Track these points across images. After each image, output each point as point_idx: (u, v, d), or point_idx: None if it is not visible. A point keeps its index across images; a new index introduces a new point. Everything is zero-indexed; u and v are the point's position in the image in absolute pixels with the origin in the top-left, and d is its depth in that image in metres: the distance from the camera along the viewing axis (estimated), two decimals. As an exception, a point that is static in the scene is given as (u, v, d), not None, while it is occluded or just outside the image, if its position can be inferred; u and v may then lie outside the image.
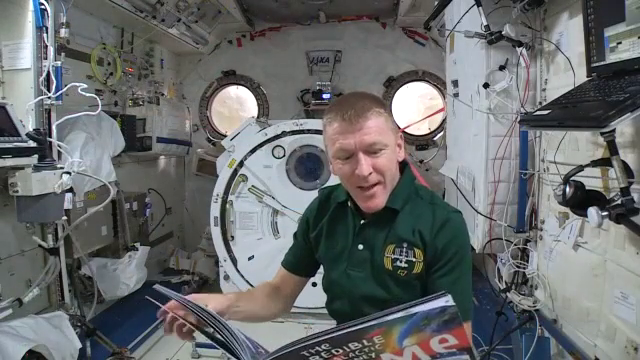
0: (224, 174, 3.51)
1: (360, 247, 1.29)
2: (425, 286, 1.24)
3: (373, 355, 0.84)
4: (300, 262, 1.47)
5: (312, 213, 1.44)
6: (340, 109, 1.19)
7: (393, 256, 1.23)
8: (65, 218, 2.50)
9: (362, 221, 1.30)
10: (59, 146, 2.49)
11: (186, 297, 1.07)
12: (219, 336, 1.00)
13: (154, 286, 1.13)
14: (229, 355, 0.97)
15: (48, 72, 2.38)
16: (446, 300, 0.77)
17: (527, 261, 2.37)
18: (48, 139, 2.39)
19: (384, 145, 1.19)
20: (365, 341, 0.82)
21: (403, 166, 1.32)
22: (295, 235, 1.51)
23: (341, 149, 1.18)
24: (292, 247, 1.51)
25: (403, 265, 1.22)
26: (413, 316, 0.78)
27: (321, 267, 1.46)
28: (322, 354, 0.84)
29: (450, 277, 1.20)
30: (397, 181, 1.28)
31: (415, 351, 0.83)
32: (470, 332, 1.22)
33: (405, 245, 1.23)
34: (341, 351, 0.84)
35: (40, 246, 2.47)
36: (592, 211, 1.42)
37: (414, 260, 1.22)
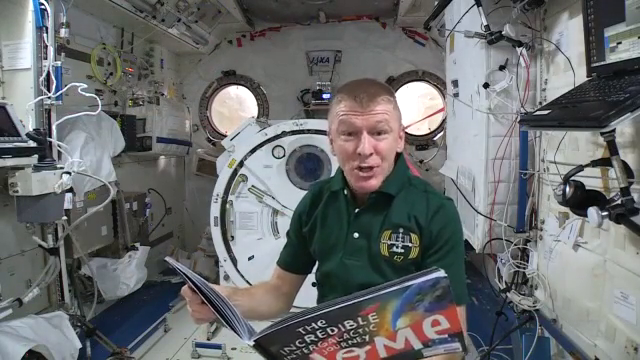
0: (224, 174, 3.51)
1: (356, 235, 1.30)
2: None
3: (367, 338, 0.85)
4: (295, 260, 1.48)
5: (305, 208, 1.44)
6: (353, 91, 1.21)
7: (389, 242, 1.25)
8: (65, 218, 2.50)
9: (357, 209, 1.31)
10: (59, 146, 2.49)
11: (193, 273, 1.08)
12: (221, 310, 1.01)
13: (165, 258, 1.19)
14: (230, 328, 0.99)
15: (48, 72, 2.38)
16: (439, 274, 0.78)
17: (527, 261, 2.37)
18: (48, 139, 2.40)
19: (389, 129, 1.22)
20: (360, 319, 0.82)
21: (397, 156, 1.34)
22: (288, 233, 1.51)
23: (347, 123, 1.20)
24: (286, 245, 1.51)
25: (399, 251, 1.24)
26: (407, 289, 0.79)
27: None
28: (318, 333, 0.85)
29: (444, 262, 1.22)
30: (391, 169, 1.30)
31: (408, 335, 0.84)
32: (465, 315, 1.26)
33: (401, 231, 1.25)
34: (336, 330, 0.84)
35: (40, 246, 2.47)
36: (592, 211, 1.42)
37: (410, 245, 1.24)
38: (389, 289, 0.79)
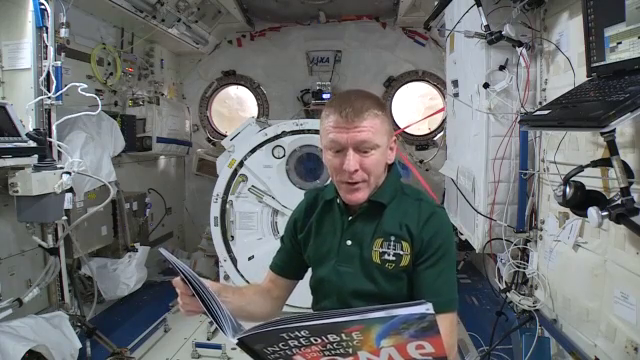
0: (224, 174, 3.51)
1: (349, 243, 1.31)
2: (412, 279, 1.27)
3: (350, 351, 0.86)
4: (288, 265, 1.49)
5: (300, 215, 1.46)
6: (339, 105, 1.22)
7: (381, 250, 1.27)
8: (65, 218, 2.50)
9: (350, 217, 1.33)
10: (59, 146, 2.49)
11: (184, 265, 1.09)
12: (208, 305, 1.03)
13: (159, 249, 1.20)
14: (215, 323, 1.00)
15: (48, 72, 2.38)
16: (426, 308, 0.78)
17: (527, 261, 2.36)
18: (48, 139, 2.40)
19: (375, 145, 1.22)
20: (344, 335, 0.83)
21: (390, 165, 1.35)
22: (282, 239, 1.53)
23: (333, 141, 1.22)
24: (280, 250, 1.53)
25: (391, 258, 1.26)
26: (393, 318, 0.80)
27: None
28: (301, 340, 0.86)
29: (436, 269, 1.24)
30: (383, 180, 1.32)
31: (391, 353, 0.85)
32: (455, 322, 1.26)
33: (393, 239, 1.26)
34: (319, 340, 0.85)
35: (40, 246, 2.47)
36: (592, 211, 1.42)
37: (402, 253, 1.25)
38: (374, 314, 0.80)
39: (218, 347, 2.93)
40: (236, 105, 5.31)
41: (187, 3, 3.80)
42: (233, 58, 4.98)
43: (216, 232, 3.54)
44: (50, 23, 2.39)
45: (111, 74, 3.61)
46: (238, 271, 3.52)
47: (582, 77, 1.66)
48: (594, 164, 1.51)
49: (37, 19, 2.33)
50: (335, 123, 1.21)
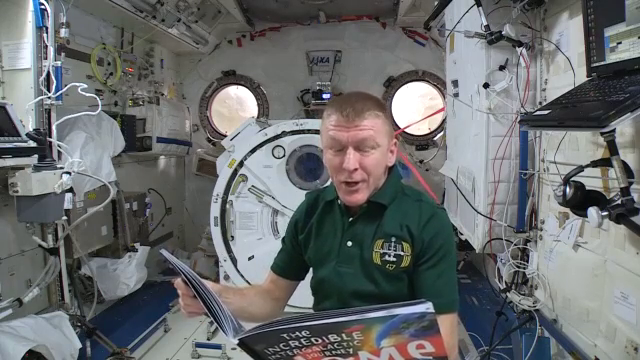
0: (224, 174, 3.51)
1: (349, 244, 1.32)
2: (412, 280, 1.27)
3: (351, 351, 0.86)
4: (289, 266, 1.49)
5: (300, 216, 1.46)
6: (340, 105, 1.23)
7: (382, 251, 1.27)
8: (65, 218, 2.50)
9: (350, 218, 1.33)
10: (59, 146, 2.49)
11: (185, 266, 1.09)
12: (209, 306, 1.03)
13: (160, 250, 1.20)
14: (216, 323, 1.01)
15: (48, 72, 2.38)
16: (427, 307, 0.79)
17: (527, 261, 2.37)
18: (48, 139, 2.40)
19: (375, 144, 1.22)
20: (344, 335, 0.84)
21: (390, 168, 1.35)
22: (283, 240, 1.53)
23: (333, 139, 1.22)
24: (281, 251, 1.53)
25: (391, 259, 1.26)
26: (393, 317, 0.80)
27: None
28: (302, 340, 0.86)
29: (436, 270, 1.24)
30: (383, 181, 1.32)
31: (392, 353, 0.85)
32: (456, 322, 1.27)
33: (393, 240, 1.27)
34: (320, 341, 0.86)
35: (40, 246, 2.48)
36: (592, 211, 1.42)
37: (402, 254, 1.25)
38: (375, 314, 0.80)
39: (218, 347, 2.93)
40: (236, 105, 5.31)
41: (187, 3, 3.80)
42: (233, 58, 4.98)
43: (216, 232, 3.54)
44: (50, 23, 2.39)
45: (111, 74, 3.61)
46: (238, 271, 3.52)
47: (582, 77, 1.66)
48: (594, 164, 1.51)
49: (37, 19, 2.33)
50: (336, 122, 1.21)
